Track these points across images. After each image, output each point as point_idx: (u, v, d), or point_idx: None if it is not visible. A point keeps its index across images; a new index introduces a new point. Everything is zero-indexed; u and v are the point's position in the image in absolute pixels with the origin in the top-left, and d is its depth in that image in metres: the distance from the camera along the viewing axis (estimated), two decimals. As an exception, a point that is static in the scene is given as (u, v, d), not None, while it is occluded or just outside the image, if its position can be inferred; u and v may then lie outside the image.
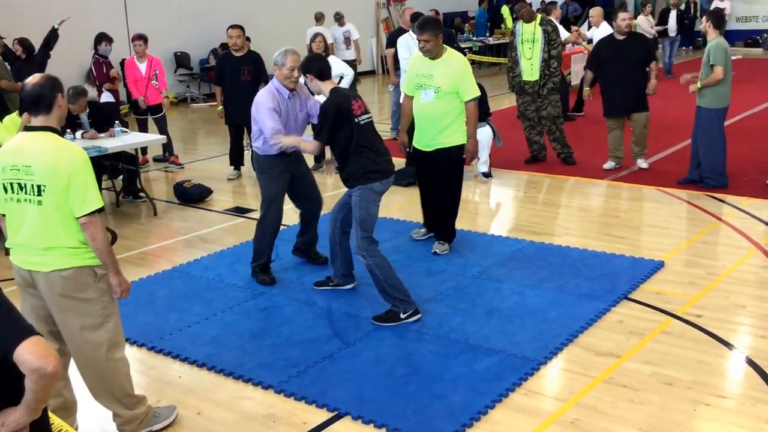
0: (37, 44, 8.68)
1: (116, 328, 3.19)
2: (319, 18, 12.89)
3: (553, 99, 7.64)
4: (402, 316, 4.30)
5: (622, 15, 7.37)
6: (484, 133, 7.25)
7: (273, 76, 4.80)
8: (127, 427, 3.28)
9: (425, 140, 5.24)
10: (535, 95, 7.62)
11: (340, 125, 4.25)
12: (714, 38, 6.50)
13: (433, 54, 5.05)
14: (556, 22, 10.35)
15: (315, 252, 5.30)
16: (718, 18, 6.64)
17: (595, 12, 10.57)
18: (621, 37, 7.28)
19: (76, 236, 3.00)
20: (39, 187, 2.93)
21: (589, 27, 11.13)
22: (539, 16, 7.58)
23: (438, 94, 5.05)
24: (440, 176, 5.28)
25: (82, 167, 2.95)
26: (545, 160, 7.99)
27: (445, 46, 5.15)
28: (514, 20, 9.05)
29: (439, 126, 5.12)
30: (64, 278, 3.00)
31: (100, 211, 2.98)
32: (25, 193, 2.95)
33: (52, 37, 8.73)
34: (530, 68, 7.54)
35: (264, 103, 4.69)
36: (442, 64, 5.06)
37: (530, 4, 7.72)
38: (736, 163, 7.63)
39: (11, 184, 2.98)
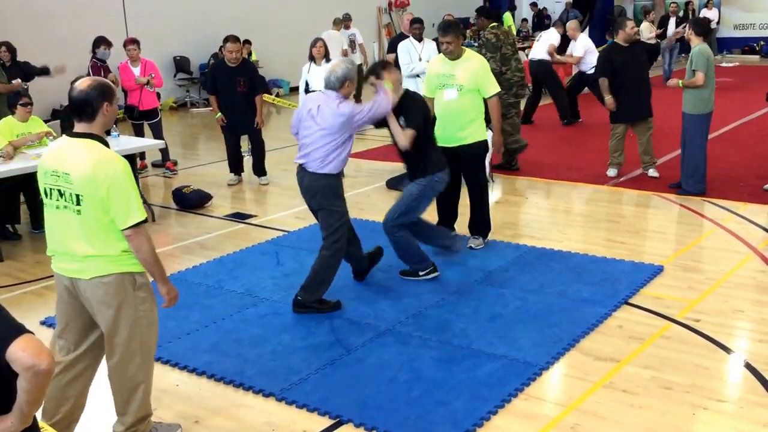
0: (26, 48, 8.65)
1: (151, 338, 3.15)
2: (337, 23, 12.87)
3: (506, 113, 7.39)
4: (420, 274, 4.90)
5: (630, 23, 7.41)
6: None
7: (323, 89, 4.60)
8: None
9: (448, 136, 5.43)
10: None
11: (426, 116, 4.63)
12: (697, 45, 6.57)
13: (454, 55, 5.34)
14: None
15: (369, 257, 5.03)
16: (701, 25, 6.72)
17: (572, 26, 10.56)
18: (627, 45, 7.30)
19: (117, 245, 2.94)
20: (77, 196, 2.86)
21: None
22: (493, 24, 7.56)
23: (461, 91, 5.31)
24: (467, 171, 5.54)
25: (122, 178, 2.85)
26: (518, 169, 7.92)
27: (463, 47, 5.44)
28: (478, 30, 9.08)
29: (462, 122, 5.37)
30: (104, 285, 2.95)
31: (144, 221, 2.92)
32: (65, 200, 2.90)
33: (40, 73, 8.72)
34: None
35: (353, 109, 4.44)
36: (463, 63, 5.35)
37: (482, 16, 7.74)
38: (734, 169, 7.68)
39: (51, 189, 2.93)
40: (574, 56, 10.39)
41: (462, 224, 5.90)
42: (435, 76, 5.47)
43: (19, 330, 1.93)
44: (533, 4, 19.94)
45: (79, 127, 2.94)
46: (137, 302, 3.04)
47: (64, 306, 3.10)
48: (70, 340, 3.13)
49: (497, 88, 5.42)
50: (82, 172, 2.83)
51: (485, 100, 5.41)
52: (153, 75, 8.24)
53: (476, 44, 8.27)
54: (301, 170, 4.57)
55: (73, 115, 2.93)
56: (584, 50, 10.27)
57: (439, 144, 5.46)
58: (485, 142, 5.53)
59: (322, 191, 4.50)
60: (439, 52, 7.83)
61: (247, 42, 13.09)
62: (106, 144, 2.97)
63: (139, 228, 2.90)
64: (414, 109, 4.74)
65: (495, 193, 7.33)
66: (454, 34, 5.29)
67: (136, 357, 3.10)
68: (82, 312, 3.08)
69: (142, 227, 2.92)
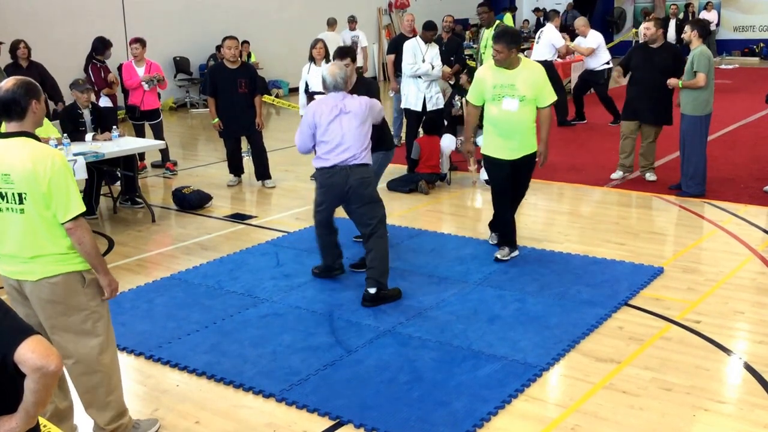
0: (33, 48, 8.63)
1: (107, 332, 3.17)
2: (332, 24, 12.84)
3: None
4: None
5: (642, 24, 7.44)
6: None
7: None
8: None
9: (511, 148, 5.22)
10: None
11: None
12: (698, 46, 6.58)
13: (506, 64, 5.09)
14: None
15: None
16: (702, 27, 6.72)
17: (580, 23, 10.56)
18: (653, 46, 7.26)
19: (62, 242, 2.96)
20: (20, 195, 2.87)
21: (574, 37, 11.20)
22: (497, 21, 7.62)
23: (523, 102, 5.11)
24: (519, 179, 5.41)
25: (61, 171, 2.88)
26: None
27: (519, 56, 5.21)
28: (479, 27, 9.11)
29: (523, 132, 5.19)
30: (52, 285, 2.97)
31: (83, 214, 2.95)
32: (7, 202, 2.90)
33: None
34: None
35: (372, 100, 4.84)
36: (522, 73, 5.12)
37: (491, 10, 7.79)
38: (734, 171, 7.70)
39: None
40: (586, 47, 10.38)
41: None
42: (491, 86, 5.16)
43: (27, 332, 1.94)
44: (536, 10, 19.89)
45: (10, 127, 2.94)
46: (87, 299, 3.07)
47: (20, 309, 3.08)
48: None
49: (554, 97, 5.25)
50: (23, 170, 2.84)
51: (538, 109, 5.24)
52: (159, 75, 8.20)
53: (475, 45, 8.31)
54: (341, 170, 4.58)
55: (2, 115, 2.94)
56: (597, 44, 10.21)
57: (493, 155, 5.28)
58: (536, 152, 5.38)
59: (374, 182, 4.78)
60: (443, 55, 7.95)
61: (246, 42, 13.11)
62: (39, 140, 2.98)
63: (79, 221, 2.92)
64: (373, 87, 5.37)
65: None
66: (504, 43, 4.99)
67: (94, 352, 3.10)
68: (34, 313, 3.07)
69: (82, 220, 2.94)
